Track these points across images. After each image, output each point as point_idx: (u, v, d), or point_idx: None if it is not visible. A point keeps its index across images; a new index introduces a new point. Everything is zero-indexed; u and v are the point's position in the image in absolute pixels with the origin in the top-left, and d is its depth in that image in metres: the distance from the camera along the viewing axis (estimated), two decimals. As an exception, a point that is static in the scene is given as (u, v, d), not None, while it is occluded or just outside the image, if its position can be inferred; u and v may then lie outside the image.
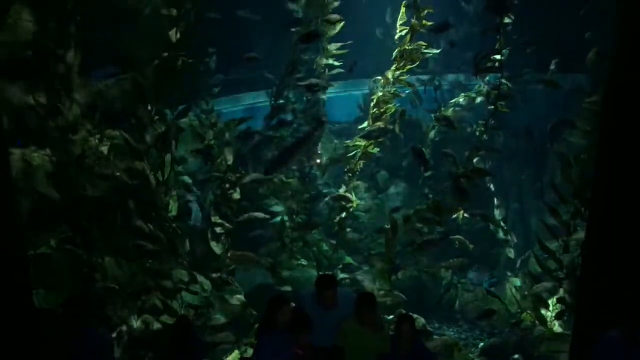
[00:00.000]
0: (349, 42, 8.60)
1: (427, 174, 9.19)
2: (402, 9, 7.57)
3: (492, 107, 7.69)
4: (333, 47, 8.67)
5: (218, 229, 7.73)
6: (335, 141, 10.07)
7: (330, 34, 8.50)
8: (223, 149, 8.11)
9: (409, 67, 7.92)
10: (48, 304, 6.19)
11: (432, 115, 9.08)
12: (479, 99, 9.16)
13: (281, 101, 9.27)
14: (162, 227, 6.69)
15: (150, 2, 7.63)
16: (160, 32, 7.70)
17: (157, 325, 6.59)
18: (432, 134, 9.38)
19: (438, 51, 7.95)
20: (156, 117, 7.19)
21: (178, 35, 7.47)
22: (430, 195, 9.04)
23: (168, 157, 7.00)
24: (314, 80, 8.23)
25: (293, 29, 8.62)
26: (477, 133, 8.16)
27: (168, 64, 7.50)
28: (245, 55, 8.10)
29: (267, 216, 8.28)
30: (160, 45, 7.61)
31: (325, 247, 8.73)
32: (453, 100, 9.35)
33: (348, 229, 8.83)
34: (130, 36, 7.41)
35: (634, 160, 4.57)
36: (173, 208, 6.90)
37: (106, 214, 6.73)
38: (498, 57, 7.18)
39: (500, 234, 8.78)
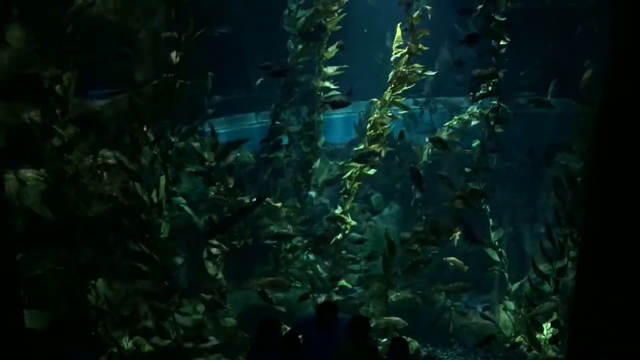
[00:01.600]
0: (346, 65, 8.71)
1: (418, 196, 9.24)
2: (398, 32, 7.68)
3: (489, 129, 7.79)
4: (330, 70, 8.77)
5: (214, 250, 7.72)
6: (331, 163, 10.12)
7: (327, 58, 8.63)
8: (224, 172, 8.13)
9: (404, 88, 8.02)
10: (39, 324, 6.17)
11: (427, 137, 9.14)
12: (473, 122, 9.22)
13: (278, 123, 9.32)
14: (155, 248, 6.69)
15: (147, 24, 7.75)
16: (157, 53, 7.81)
17: (148, 347, 6.56)
18: (425, 156, 9.42)
19: (433, 73, 8.04)
20: (152, 139, 7.21)
21: (175, 57, 7.52)
22: (424, 217, 9.05)
23: (163, 178, 7.00)
24: (337, 98, 8.30)
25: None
26: (474, 155, 8.24)
27: (165, 84, 7.55)
28: (260, 64, 8.18)
29: (294, 234, 8.26)
30: (157, 66, 7.69)
31: (320, 268, 8.73)
32: (447, 124, 9.41)
33: (343, 251, 8.85)
34: (127, 57, 7.49)
35: (628, 183, 4.61)
36: (165, 229, 6.90)
37: (100, 235, 6.75)
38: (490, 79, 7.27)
39: (495, 257, 8.78)
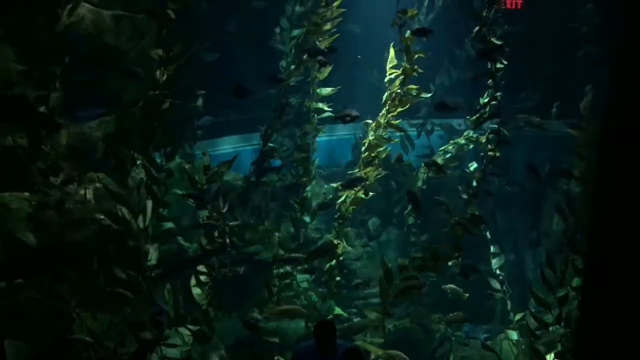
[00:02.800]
0: (339, 86, 8.75)
1: (411, 221, 9.24)
2: (392, 52, 7.73)
3: (490, 152, 7.81)
4: (324, 91, 8.81)
5: (203, 278, 7.65)
6: (325, 186, 10.12)
7: (320, 78, 8.67)
8: (216, 194, 8.09)
9: (399, 110, 8.05)
10: (19, 356, 6.08)
11: (422, 161, 9.18)
12: (469, 146, 9.25)
13: (270, 145, 9.33)
14: (142, 276, 6.63)
15: (137, 44, 7.78)
16: (146, 73, 7.82)
17: (134, 380, 6.46)
18: (420, 181, 9.43)
19: (429, 95, 8.08)
20: (139, 161, 7.20)
21: (165, 77, 7.54)
22: (420, 243, 9.03)
23: (149, 202, 6.97)
24: (348, 111, 8.30)
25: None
26: (474, 179, 8.25)
27: (154, 105, 7.56)
28: (270, 76, 8.17)
29: (304, 256, 8.24)
30: (147, 86, 7.71)
31: (314, 297, 8.66)
32: (442, 148, 9.45)
33: (337, 278, 8.79)
34: (116, 77, 7.51)
35: (631, 208, 4.60)
36: (153, 257, 6.85)
37: (85, 261, 6.69)
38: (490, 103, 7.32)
39: (496, 284, 8.75)
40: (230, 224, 8.06)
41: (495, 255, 9.04)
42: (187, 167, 8.35)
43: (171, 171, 7.91)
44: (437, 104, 8.30)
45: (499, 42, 7.28)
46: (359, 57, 10.84)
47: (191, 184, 7.95)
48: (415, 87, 7.77)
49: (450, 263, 8.00)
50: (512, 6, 9.66)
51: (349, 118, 8.16)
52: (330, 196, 9.44)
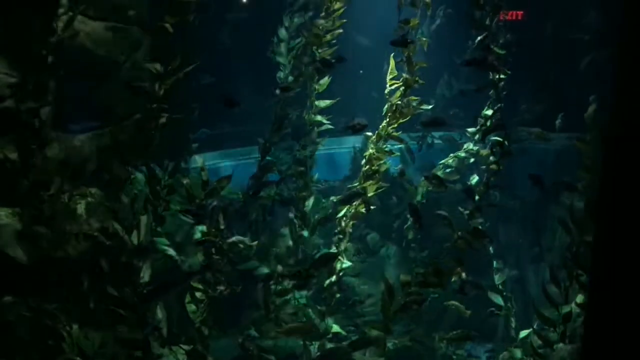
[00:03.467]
0: (338, 98, 8.74)
1: (411, 237, 9.18)
2: (392, 63, 7.71)
3: (492, 166, 7.77)
4: (322, 103, 8.80)
5: (198, 294, 7.58)
6: (323, 201, 10.08)
7: (319, 90, 8.65)
8: (214, 210, 8.02)
9: (400, 121, 8.01)
10: (7, 376, 6.01)
11: (423, 175, 9.13)
12: (470, 160, 9.20)
13: (268, 158, 9.30)
14: (135, 293, 6.57)
15: (131, 56, 7.79)
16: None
17: (126, 401, 6.38)
18: (420, 195, 9.38)
19: (430, 107, 8.05)
20: (133, 175, 7.17)
21: (160, 89, 7.53)
22: (420, 259, 8.97)
23: (144, 218, 6.92)
24: (357, 120, 8.27)
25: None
26: (476, 193, 8.19)
27: (150, 118, 7.54)
28: (280, 85, 8.13)
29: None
30: (141, 99, 7.69)
31: (312, 314, 8.58)
32: (442, 162, 9.39)
33: (337, 295, 8.71)
34: (110, 89, 7.50)
35: (637, 221, 4.55)
36: (146, 274, 6.79)
37: (76, 278, 6.63)
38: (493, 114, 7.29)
39: (499, 301, 8.66)
40: (229, 240, 7.99)
41: (498, 270, 8.96)
42: (185, 182, 8.31)
43: (174, 187, 7.87)
44: (424, 121, 8.29)
45: (500, 52, 7.27)
46: (361, 72, 10.86)
47: (189, 199, 7.90)
48: (415, 98, 7.73)
49: (453, 279, 7.93)
50: (512, 17, 9.67)
51: (358, 127, 8.12)
52: (330, 210, 9.39)
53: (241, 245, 7.79)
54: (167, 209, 7.56)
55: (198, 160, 8.27)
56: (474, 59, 7.33)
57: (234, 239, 7.81)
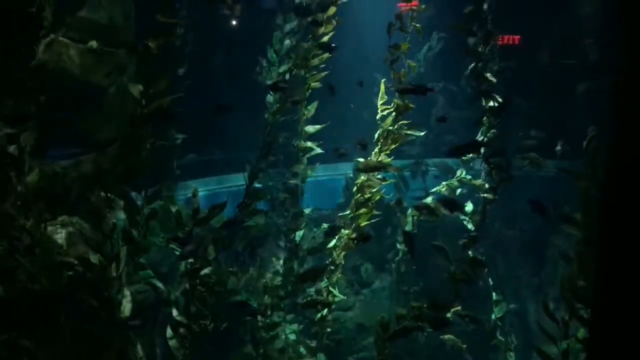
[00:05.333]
0: (327, 123, 8.79)
1: (404, 268, 9.17)
2: (382, 87, 7.77)
3: (487, 195, 7.80)
4: (312, 128, 8.83)
5: (182, 330, 7.51)
6: (315, 229, 10.08)
7: (308, 116, 8.70)
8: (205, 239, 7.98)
9: (392, 147, 8.04)
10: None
11: (413, 204, 9.14)
12: (460, 190, 9.21)
13: (257, 185, 9.30)
14: (115, 329, 6.50)
15: (116, 80, 7.83)
16: (126, 111, 7.83)
17: None
18: (410, 224, 9.37)
19: (423, 133, 8.10)
20: (115, 203, 7.14)
21: (144, 113, 7.55)
22: (412, 291, 8.96)
23: (124, 248, 6.89)
24: (360, 138, 8.27)
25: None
26: (470, 223, 8.21)
27: (132, 143, 7.54)
28: (290, 99, 8.15)
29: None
30: (126, 124, 7.70)
31: (302, 350, 8.52)
32: (434, 190, 9.40)
33: (329, 329, 8.65)
34: (93, 115, 7.52)
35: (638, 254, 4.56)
36: (126, 308, 6.73)
37: (54, 312, 6.55)
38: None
39: (498, 335, 8.64)
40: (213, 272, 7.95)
41: (497, 303, 8.95)
42: (173, 209, 8.29)
43: (154, 214, 7.84)
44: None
45: (493, 79, 7.37)
46: (352, 105, 10.97)
47: (177, 227, 7.85)
48: (406, 121, 7.77)
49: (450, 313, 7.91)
50: (508, 42, 9.83)
51: (364, 144, 8.13)
52: (320, 240, 9.39)
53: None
54: (146, 238, 7.51)
55: (191, 186, 8.25)
56: (409, 87, 7.43)
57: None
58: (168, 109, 7.65)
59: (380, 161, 7.89)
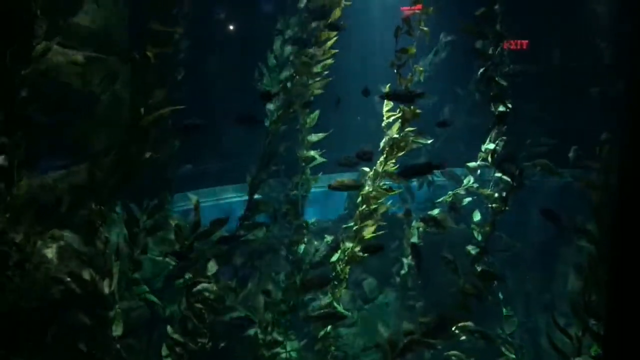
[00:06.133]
0: (329, 131, 8.71)
1: (410, 283, 9.06)
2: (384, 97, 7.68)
3: (495, 205, 7.69)
4: (313, 137, 8.76)
5: (178, 349, 7.41)
6: (316, 243, 9.98)
7: (310, 124, 8.63)
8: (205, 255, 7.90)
9: (399, 156, 7.94)
10: None
11: (419, 216, 9.03)
12: (467, 199, 9.11)
13: (257, 197, 9.23)
14: (107, 348, 6.42)
15: (109, 87, 7.78)
16: (119, 120, 7.79)
17: None
18: (416, 237, 9.26)
19: (430, 141, 8.00)
20: (109, 216, 7.09)
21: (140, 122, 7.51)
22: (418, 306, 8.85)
23: (116, 264, 6.81)
24: (361, 150, 8.15)
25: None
26: (481, 234, 8.09)
27: (127, 153, 7.49)
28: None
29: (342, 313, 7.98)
30: (120, 133, 7.66)
31: (303, 367, 8.42)
32: (439, 200, 9.28)
33: (332, 348, 8.54)
34: (86, 124, 7.47)
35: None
36: (118, 326, 6.64)
37: (45, 330, 6.48)
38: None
39: (508, 353, 8.49)
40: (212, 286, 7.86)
41: (507, 318, 8.82)
42: (174, 222, 8.22)
43: (155, 228, 7.76)
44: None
45: (504, 83, 7.29)
46: (359, 118, 10.93)
47: (177, 241, 7.76)
48: (412, 128, 7.68)
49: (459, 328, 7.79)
50: (517, 46, 9.75)
51: (366, 156, 8.01)
52: (323, 254, 9.29)
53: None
54: (145, 252, 7.45)
55: (192, 198, 8.16)
56: (393, 93, 7.35)
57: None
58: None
59: (355, 180, 7.82)
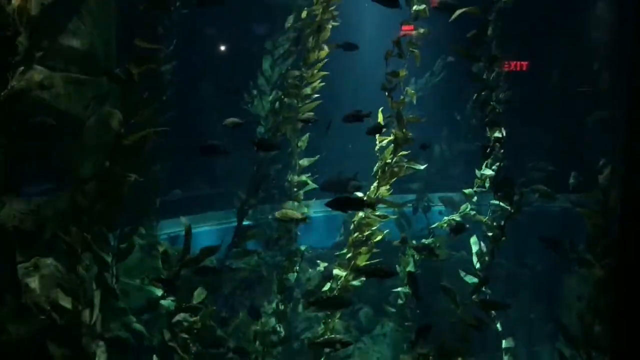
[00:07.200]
0: (320, 154, 8.73)
1: (408, 313, 9.02)
2: (380, 118, 7.72)
3: (492, 233, 7.70)
4: (306, 161, 8.77)
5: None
6: (310, 270, 9.96)
7: (302, 148, 8.64)
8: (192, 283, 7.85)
9: (392, 181, 7.93)
10: None
11: (413, 244, 9.00)
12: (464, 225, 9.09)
13: (246, 223, 9.22)
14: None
15: (96, 110, 7.78)
16: (106, 144, 7.78)
17: None
18: (411, 265, 9.22)
19: (423, 167, 8.02)
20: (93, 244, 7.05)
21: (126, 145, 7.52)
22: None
23: (97, 293, 6.77)
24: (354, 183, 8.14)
25: None
26: (480, 262, 8.09)
27: (112, 179, 7.48)
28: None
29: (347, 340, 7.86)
30: (105, 158, 7.65)
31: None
32: (434, 225, 9.26)
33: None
34: (70, 148, 7.46)
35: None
36: (101, 358, 6.58)
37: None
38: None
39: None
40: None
41: (507, 350, 8.78)
42: (161, 249, 8.18)
43: (125, 253, 7.71)
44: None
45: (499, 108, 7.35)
46: (350, 146, 10.98)
47: (164, 268, 7.70)
48: (405, 152, 7.69)
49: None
50: (516, 68, 9.85)
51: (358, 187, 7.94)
52: (316, 282, 9.26)
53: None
54: (118, 280, 7.40)
55: (183, 222, 8.11)
56: (352, 115, 7.41)
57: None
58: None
59: (303, 213, 7.84)
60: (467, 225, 8.46)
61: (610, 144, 7.98)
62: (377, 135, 7.63)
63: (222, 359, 8.19)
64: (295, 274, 9.10)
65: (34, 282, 6.93)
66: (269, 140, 8.16)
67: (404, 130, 7.53)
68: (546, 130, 10.22)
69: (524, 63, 10.19)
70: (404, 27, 7.74)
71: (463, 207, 8.67)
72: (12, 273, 6.81)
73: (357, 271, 8.01)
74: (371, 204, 7.33)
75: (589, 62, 10.17)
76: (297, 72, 8.23)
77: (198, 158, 7.87)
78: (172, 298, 7.69)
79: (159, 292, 8.01)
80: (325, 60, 8.24)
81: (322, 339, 7.87)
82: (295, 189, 9.13)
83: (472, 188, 8.24)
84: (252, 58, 9.49)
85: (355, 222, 8.25)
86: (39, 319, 6.75)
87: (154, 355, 7.52)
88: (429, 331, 7.41)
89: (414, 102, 7.57)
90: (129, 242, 7.91)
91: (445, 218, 9.04)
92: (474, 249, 8.20)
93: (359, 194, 7.74)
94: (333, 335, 8.04)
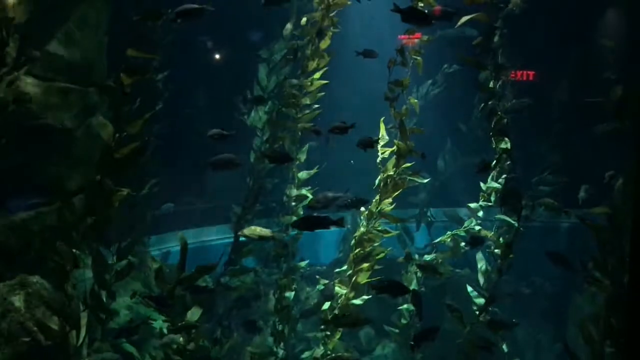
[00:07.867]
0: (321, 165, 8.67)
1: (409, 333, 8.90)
2: (382, 128, 7.64)
3: (498, 250, 7.63)
4: (305, 174, 8.69)
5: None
6: (308, 289, 9.86)
7: (301, 160, 8.57)
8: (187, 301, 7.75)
9: (394, 195, 7.84)
10: None
11: (414, 262, 8.90)
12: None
13: (243, 239, 9.12)
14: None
15: (85, 122, 7.73)
16: (96, 156, 7.72)
17: None
18: (414, 283, 9.09)
19: (427, 180, 7.94)
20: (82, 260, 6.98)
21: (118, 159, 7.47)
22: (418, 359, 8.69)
23: (84, 314, 6.69)
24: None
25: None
26: (485, 280, 8.01)
27: (101, 193, 7.42)
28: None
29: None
30: (95, 172, 7.59)
31: None
32: (437, 240, 9.14)
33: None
34: (59, 161, 7.40)
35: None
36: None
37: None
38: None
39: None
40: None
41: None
42: (154, 265, 8.10)
43: (124, 272, 7.65)
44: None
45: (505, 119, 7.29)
46: (352, 162, 10.95)
47: (158, 285, 7.60)
48: (409, 164, 7.61)
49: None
50: (522, 78, 9.81)
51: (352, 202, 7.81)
52: (315, 301, 9.16)
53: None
54: (114, 299, 7.32)
55: (180, 237, 8.02)
56: (337, 126, 7.35)
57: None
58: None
59: (271, 231, 7.77)
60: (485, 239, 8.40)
61: (620, 156, 7.91)
62: (379, 146, 7.57)
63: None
64: (294, 292, 9.01)
65: (18, 301, 6.85)
66: (281, 151, 8.06)
67: (407, 142, 7.46)
68: (554, 143, 10.17)
69: (531, 72, 10.15)
70: (401, 37, 7.70)
71: (467, 222, 8.58)
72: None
73: (370, 287, 7.88)
74: (339, 223, 7.11)
75: (599, 72, 10.13)
76: (295, 81, 8.14)
77: (191, 172, 7.85)
78: (163, 318, 7.60)
79: (150, 312, 7.93)
80: (325, 68, 8.19)
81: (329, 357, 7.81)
82: (294, 203, 9.05)
83: (477, 202, 8.16)
84: (247, 67, 9.45)
85: (356, 238, 8.16)
86: (24, 340, 6.67)
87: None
88: (429, 335, 7.31)
89: (417, 111, 7.52)
90: (128, 260, 7.85)
91: (449, 232, 8.96)
92: (480, 266, 8.12)
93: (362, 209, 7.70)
94: (340, 354, 7.96)
